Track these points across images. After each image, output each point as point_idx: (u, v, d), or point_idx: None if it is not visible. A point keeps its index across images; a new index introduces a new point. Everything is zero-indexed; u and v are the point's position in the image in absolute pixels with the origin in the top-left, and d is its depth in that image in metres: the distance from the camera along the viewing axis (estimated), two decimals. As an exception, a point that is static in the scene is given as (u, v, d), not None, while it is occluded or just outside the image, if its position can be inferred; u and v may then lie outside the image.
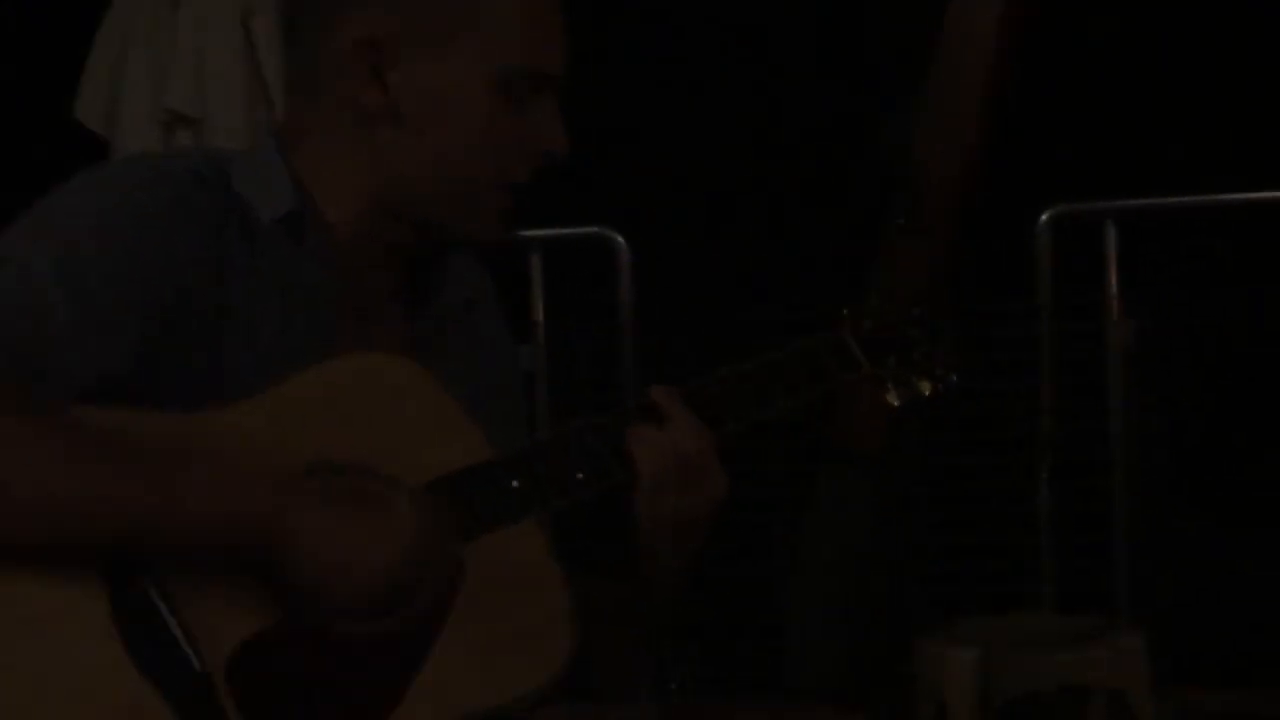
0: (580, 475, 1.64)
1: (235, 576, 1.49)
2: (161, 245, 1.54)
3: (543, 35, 1.67)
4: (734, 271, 4.48)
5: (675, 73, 5.22)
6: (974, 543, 4.29)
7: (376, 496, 1.52)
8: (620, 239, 4.16)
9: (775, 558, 4.23)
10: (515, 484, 1.60)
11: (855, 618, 4.13)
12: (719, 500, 1.67)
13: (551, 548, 1.66)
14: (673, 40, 5.25)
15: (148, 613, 1.46)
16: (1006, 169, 4.35)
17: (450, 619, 1.55)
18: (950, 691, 2.89)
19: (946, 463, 4.26)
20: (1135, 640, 2.87)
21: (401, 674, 1.53)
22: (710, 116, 5.23)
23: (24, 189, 1.57)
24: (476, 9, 1.65)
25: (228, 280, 1.58)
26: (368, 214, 1.67)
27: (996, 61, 4.20)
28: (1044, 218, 4.15)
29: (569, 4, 1.71)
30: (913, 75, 4.28)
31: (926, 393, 1.79)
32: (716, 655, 3.91)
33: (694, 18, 5.24)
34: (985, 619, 3.15)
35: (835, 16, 5.00)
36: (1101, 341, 4.20)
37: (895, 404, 1.78)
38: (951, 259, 4.17)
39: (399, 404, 1.61)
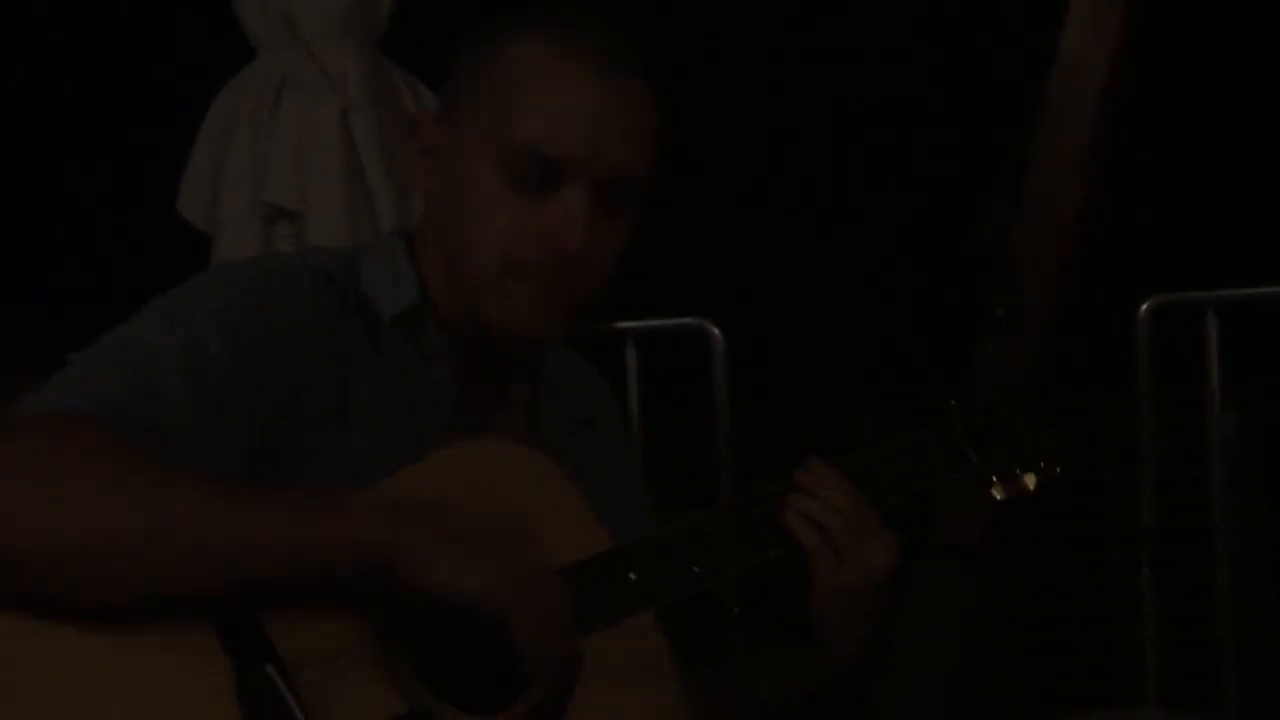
0: (699, 567, 1.62)
1: (361, 668, 1.46)
2: (283, 343, 1.53)
3: (558, 111, 1.58)
4: (828, 363, 4.46)
5: (772, 166, 5.21)
6: (1077, 639, 4.27)
7: (523, 566, 1.50)
8: (716, 330, 4.12)
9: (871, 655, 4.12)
10: (633, 577, 1.58)
11: (956, 716, 4.06)
12: (890, 565, 1.65)
13: (666, 641, 1.62)
14: (768, 134, 5.23)
15: (273, 691, 1.43)
16: (1107, 258, 4.32)
17: (570, 710, 1.51)
18: None
19: (1048, 558, 4.24)
20: None
21: (557, 702, 1.49)
22: (805, 209, 5.20)
23: (130, 283, 1.57)
24: (496, 77, 1.61)
25: (350, 378, 1.58)
26: (457, 304, 1.63)
27: (1096, 147, 4.14)
28: (1144, 308, 4.09)
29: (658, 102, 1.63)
30: (1012, 162, 4.24)
31: (1031, 487, 1.76)
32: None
33: (782, 109, 5.23)
34: (1099, 712, 3.11)
35: (928, 101, 5.01)
36: (1203, 433, 4.11)
37: (1000, 498, 1.76)
38: (1050, 350, 4.11)
39: (527, 491, 1.60)
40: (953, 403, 1.78)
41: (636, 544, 1.60)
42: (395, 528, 1.43)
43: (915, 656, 4.01)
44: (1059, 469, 1.77)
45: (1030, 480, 1.75)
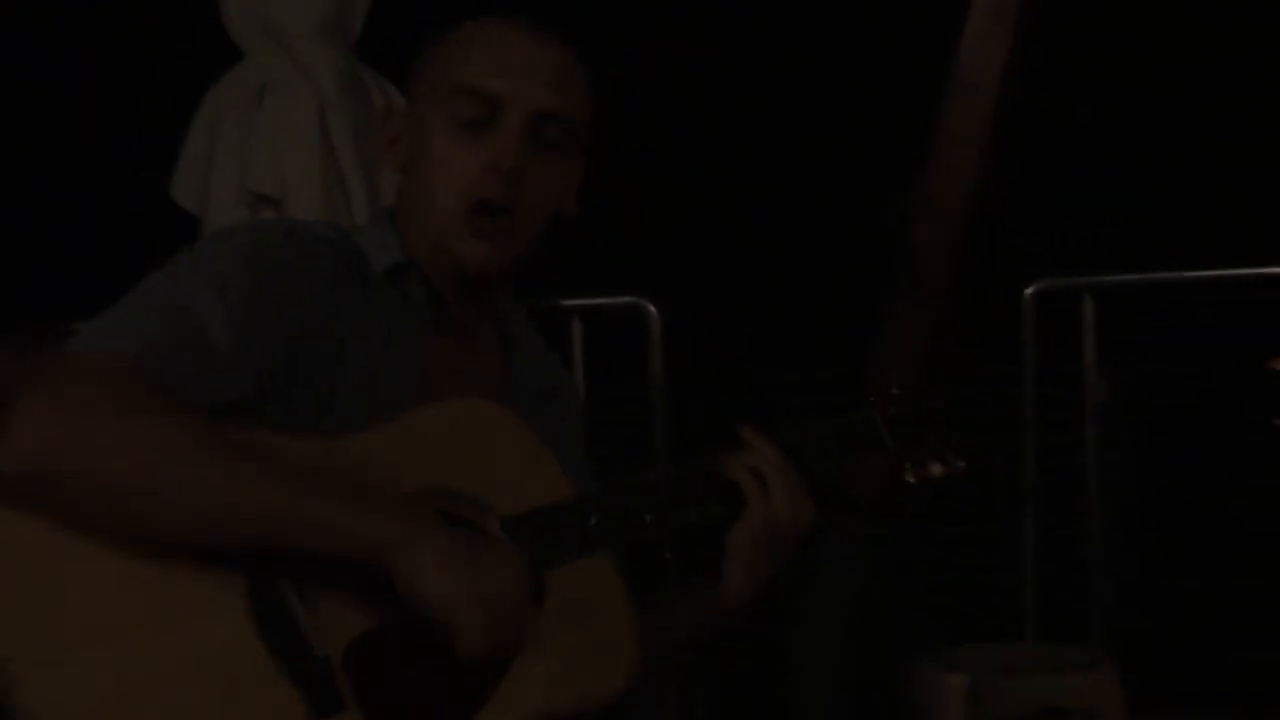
0: (650, 516, 1.66)
1: (357, 579, 1.50)
2: (292, 286, 1.56)
3: (495, 59, 1.67)
4: (752, 337, 4.45)
5: (705, 161, 5.23)
6: (965, 581, 4.34)
7: (486, 532, 1.55)
8: (652, 308, 4.10)
9: (781, 600, 4.11)
10: (593, 521, 1.62)
11: (857, 650, 4.08)
12: (808, 519, 1.68)
13: (622, 576, 1.66)
14: (701, 131, 5.25)
15: (280, 604, 1.47)
16: (997, 247, 4.35)
17: (538, 642, 1.56)
18: (943, 715, 2.91)
19: (942, 511, 4.28)
20: (1110, 669, 2.96)
21: (486, 681, 1.54)
22: (734, 201, 5.25)
23: (128, 257, 1.63)
24: (449, 49, 1.68)
25: (344, 319, 1.60)
26: (434, 260, 1.69)
27: (987, 149, 4.09)
28: (1029, 291, 4.15)
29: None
30: (911, 162, 4.20)
31: (937, 475, 1.79)
32: (731, 686, 3.91)
33: (713, 109, 5.26)
34: (974, 649, 3.16)
35: (844, 110, 4.99)
36: (1080, 401, 4.16)
37: (910, 480, 1.79)
38: (949, 325, 4.08)
39: (500, 443, 1.63)
40: (871, 398, 1.79)
41: (597, 493, 1.66)
42: (394, 513, 1.49)
43: (825, 602, 4.06)
44: (963, 464, 1.80)
45: (937, 469, 1.78)
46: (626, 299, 4.12)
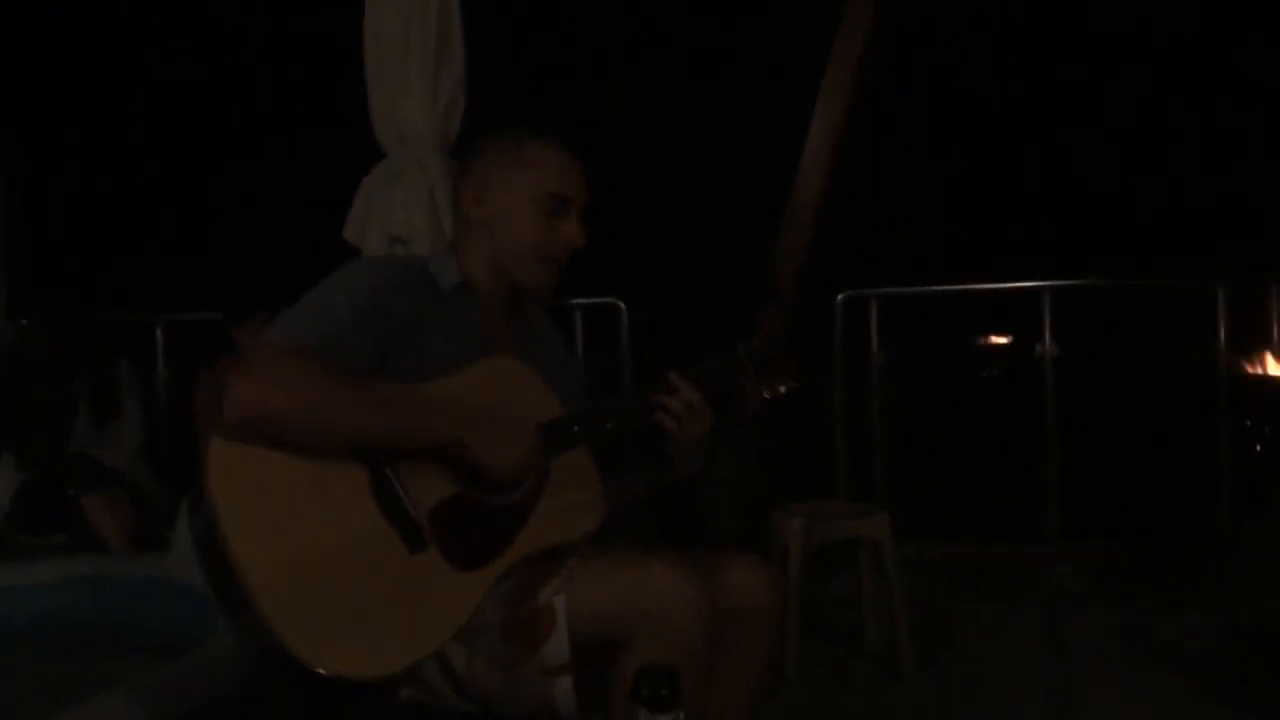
0: (610, 425, 1.63)
1: (437, 467, 1.53)
2: (392, 295, 1.57)
3: (567, 174, 1.69)
4: (699, 331, 4.25)
5: (669, 186, 5.01)
6: (802, 462, 4.39)
7: (515, 424, 1.56)
8: (624, 305, 4.12)
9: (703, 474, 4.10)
10: (576, 429, 1.62)
11: (743, 504, 4.05)
12: (709, 428, 1.66)
13: (594, 461, 1.68)
14: (666, 161, 5.02)
15: (389, 485, 1.50)
16: (822, 270, 4.34)
17: (541, 497, 1.60)
18: (789, 541, 3.09)
19: (791, 419, 4.24)
20: (884, 515, 3.16)
21: (517, 524, 1.58)
22: (690, 221, 5.04)
23: (313, 274, 1.58)
24: (523, 159, 1.67)
25: (425, 316, 1.61)
26: (489, 278, 1.70)
27: (821, 203, 4.10)
28: (839, 298, 4.31)
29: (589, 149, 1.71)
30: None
31: (783, 391, 1.73)
32: (665, 524, 3.67)
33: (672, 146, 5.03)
34: (809, 503, 3.29)
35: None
36: (869, 368, 4.34)
37: (767, 396, 1.72)
38: (795, 320, 4.17)
39: (520, 383, 1.65)
40: (740, 345, 1.73)
41: (578, 412, 1.64)
42: (456, 427, 1.51)
43: (722, 472, 4.09)
44: (797, 384, 1.72)
45: (781, 388, 1.74)
46: (608, 299, 4.12)
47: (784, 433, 4.14)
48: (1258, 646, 3.09)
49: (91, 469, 3.32)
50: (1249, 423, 3.33)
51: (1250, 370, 3.53)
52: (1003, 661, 3.17)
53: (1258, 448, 3.25)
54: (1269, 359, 3.65)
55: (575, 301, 4.06)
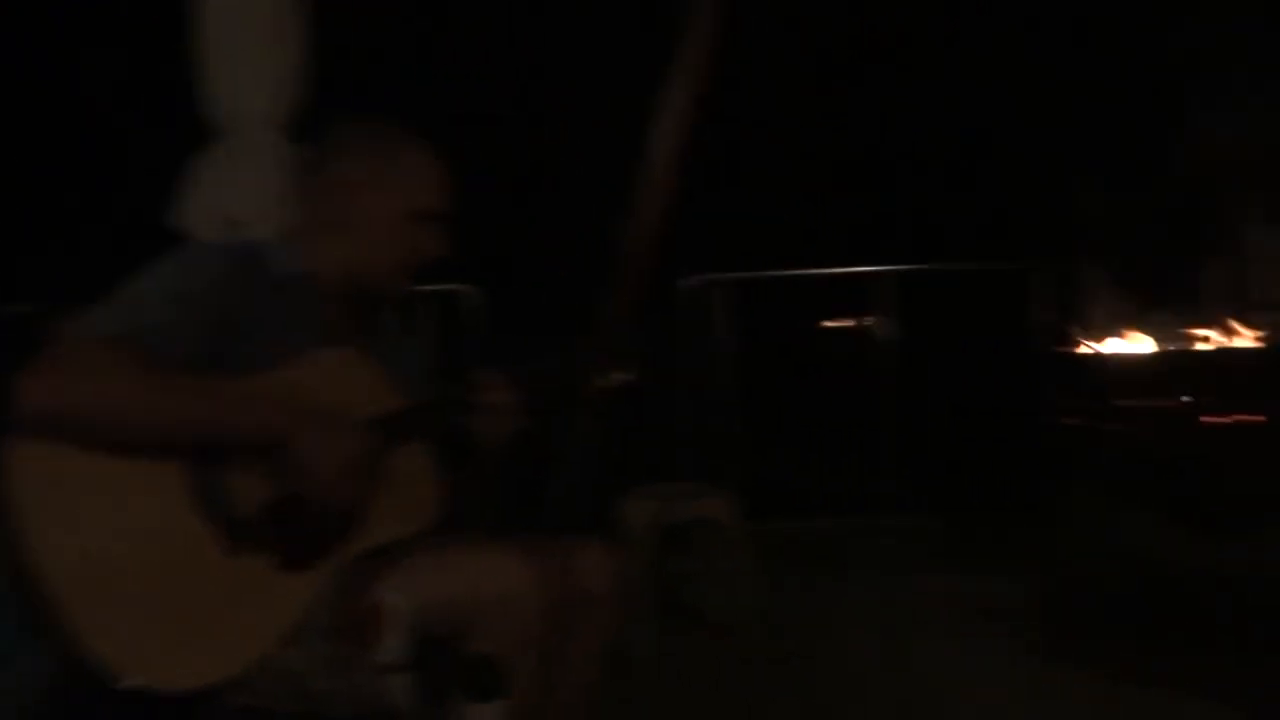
0: (435, 420, 1.62)
1: (261, 464, 1.45)
2: (214, 283, 1.49)
3: (441, 186, 1.64)
4: (544, 318, 4.14)
5: (518, 179, 4.88)
6: (649, 448, 4.39)
7: (344, 419, 1.48)
8: (472, 291, 4.18)
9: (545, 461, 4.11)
10: (409, 422, 1.59)
11: (589, 489, 3.85)
12: (514, 431, 1.64)
13: (430, 456, 1.63)
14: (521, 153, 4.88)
15: (208, 483, 1.44)
16: (666, 255, 4.12)
17: (376, 492, 1.52)
18: (636, 524, 3.16)
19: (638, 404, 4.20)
20: (728, 496, 3.29)
21: (348, 521, 1.51)
22: (533, 211, 4.93)
23: (131, 267, 1.49)
24: (399, 170, 1.61)
25: (253, 305, 1.53)
26: (338, 279, 1.63)
27: (666, 193, 3.82)
28: (682, 283, 4.45)
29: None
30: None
31: (627, 377, 1.74)
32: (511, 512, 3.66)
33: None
34: (657, 485, 3.39)
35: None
36: (717, 347, 4.43)
37: (609, 383, 1.72)
38: (638, 304, 3.87)
39: (357, 375, 1.59)
40: (578, 344, 1.71)
41: (411, 406, 1.60)
42: (280, 423, 1.44)
43: (569, 458, 3.91)
44: (628, 377, 1.71)
45: (619, 378, 1.73)
46: (455, 285, 4.18)
47: (631, 417, 4.04)
48: (1071, 603, 3.32)
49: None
50: (1060, 398, 3.52)
51: (1063, 348, 3.74)
52: (844, 630, 3.28)
53: (1067, 420, 3.44)
54: (1079, 337, 3.86)
55: (423, 288, 3.88)
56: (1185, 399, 3.22)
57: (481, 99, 4.87)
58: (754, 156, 5.02)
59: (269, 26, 3.06)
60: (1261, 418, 3.12)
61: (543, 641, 1.52)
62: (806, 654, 3.09)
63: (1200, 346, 3.52)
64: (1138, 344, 3.59)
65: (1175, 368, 3.38)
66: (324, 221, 1.63)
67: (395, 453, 1.57)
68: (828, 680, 2.88)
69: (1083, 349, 3.65)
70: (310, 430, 1.45)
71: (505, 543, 1.56)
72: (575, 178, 4.90)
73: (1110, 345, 3.64)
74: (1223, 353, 3.48)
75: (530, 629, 1.50)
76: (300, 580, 1.50)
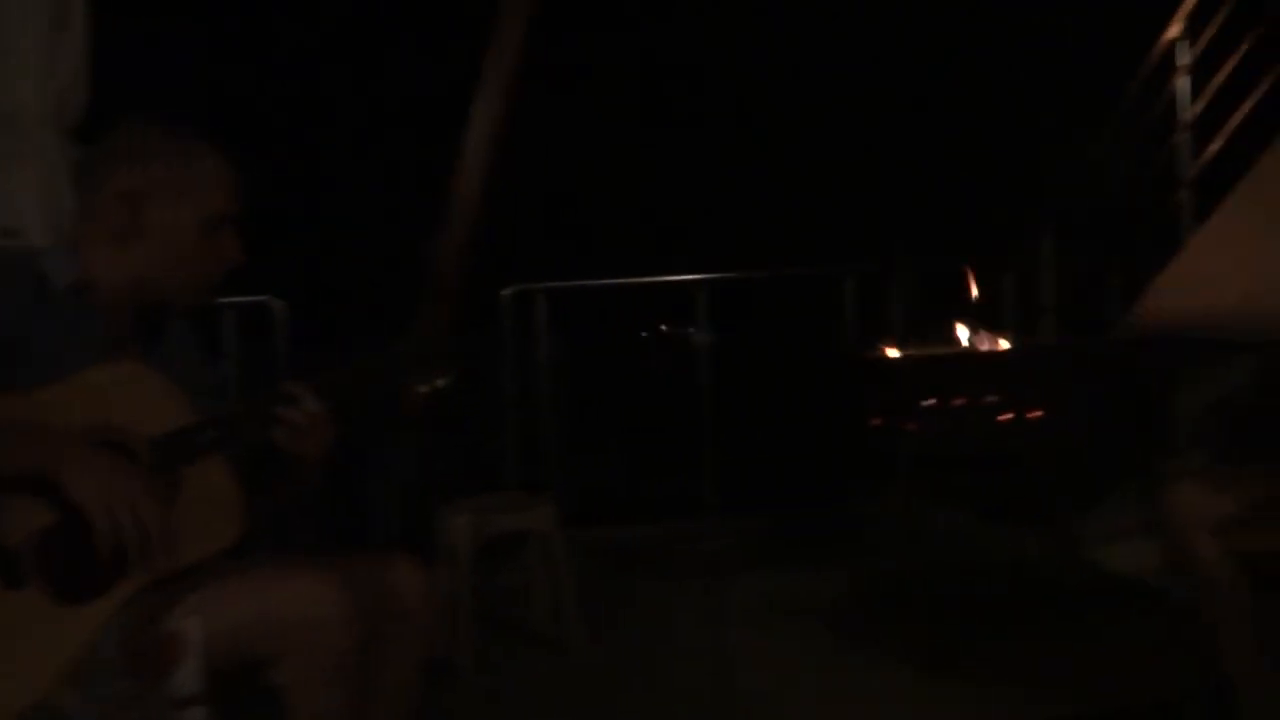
0: (228, 435, 1.52)
1: (34, 492, 1.40)
2: None
3: (233, 189, 1.59)
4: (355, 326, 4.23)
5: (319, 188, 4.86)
6: (470, 457, 4.40)
7: (117, 442, 1.44)
8: (279, 303, 4.05)
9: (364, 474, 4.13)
10: (198, 439, 1.50)
11: (408, 502, 4.01)
12: (330, 441, 1.57)
13: (232, 472, 1.55)
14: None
15: None
16: (490, 263, 4.31)
17: (169, 514, 1.43)
18: (455, 538, 3.07)
19: (459, 414, 4.10)
20: (550, 506, 3.22)
21: (136, 547, 1.40)
22: (351, 221, 4.90)
23: None
24: (192, 179, 1.55)
25: (26, 318, 1.47)
26: (125, 290, 1.57)
27: (487, 195, 4.04)
28: (505, 292, 4.39)
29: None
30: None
31: (442, 386, 1.61)
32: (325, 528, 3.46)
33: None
34: (477, 497, 3.28)
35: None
36: (539, 355, 4.42)
37: (423, 391, 1.62)
38: (457, 313, 4.08)
39: (142, 391, 1.51)
40: (394, 350, 1.62)
41: (199, 422, 1.52)
42: (46, 447, 1.39)
43: (386, 470, 4.05)
44: (447, 383, 1.59)
45: (436, 385, 1.59)
46: (261, 297, 4.01)
47: (451, 428, 4.11)
48: (880, 594, 3.51)
49: None
50: (869, 400, 3.66)
51: (870, 353, 3.89)
52: (669, 634, 3.33)
53: (875, 422, 3.58)
54: (888, 342, 4.03)
55: (226, 300, 3.89)
56: (981, 399, 3.41)
57: (292, 107, 4.83)
58: (575, 168, 5.10)
59: (46, 16, 2.81)
60: (1041, 412, 3.30)
61: (354, 666, 1.48)
62: (630, 663, 3.11)
63: (993, 348, 3.74)
64: (939, 348, 3.77)
65: (972, 369, 3.58)
66: (111, 230, 1.56)
67: (192, 470, 1.51)
68: (652, 688, 2.90)
69: (891, 353, 3.80)
70: (77, 454, 1.39)
71: (313, 562, 1.52)
72: (384, 188, 4.93)
73: (915, 349, 3.81)
74: (1014, 354, 3.72)
75: (342, 653, 1.46)
76: (84, 613, 1.42)
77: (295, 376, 1.59)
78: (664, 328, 5.02)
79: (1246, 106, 3.58)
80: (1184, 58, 3.94)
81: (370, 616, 1.51)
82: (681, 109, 5.20)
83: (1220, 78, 3.75)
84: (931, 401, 3.32)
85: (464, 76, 3.86)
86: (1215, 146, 3.78)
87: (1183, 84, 3.94)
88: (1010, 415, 3.35)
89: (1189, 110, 3.91)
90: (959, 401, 3.40)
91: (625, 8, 5.00)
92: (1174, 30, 3.95)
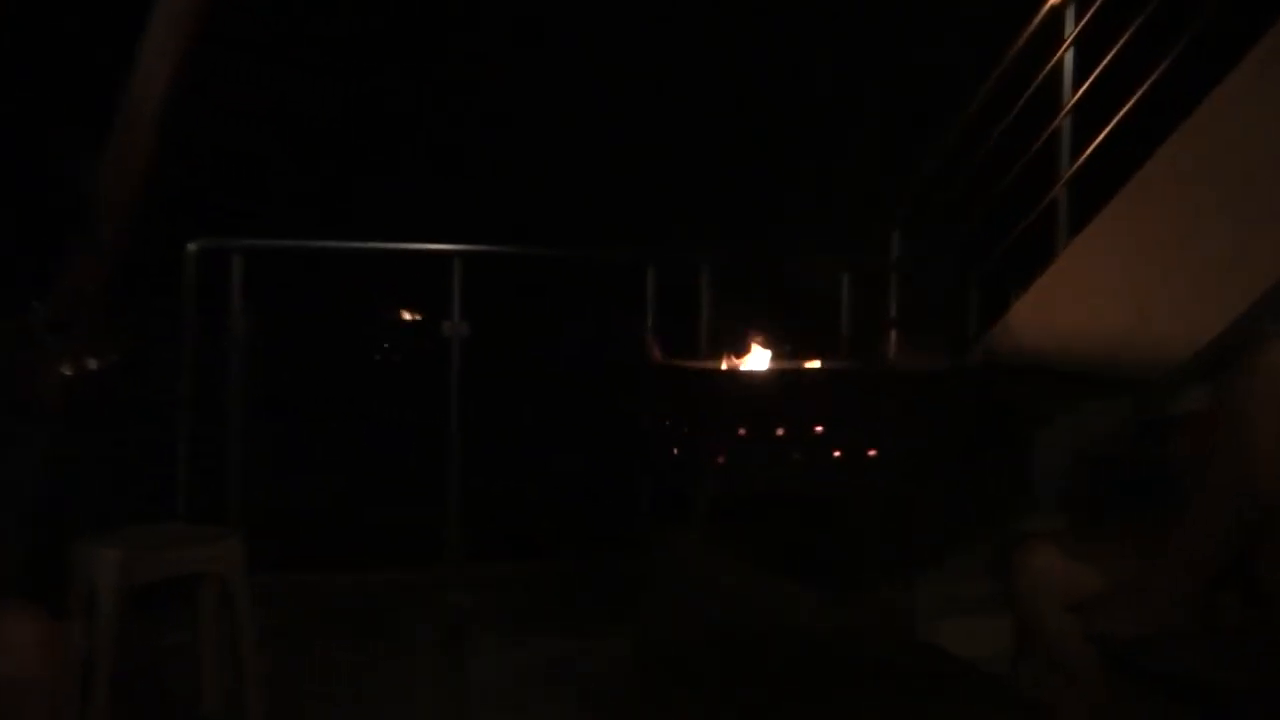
0: None
1: None
2: None
3: None
4: None
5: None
6: (122, 475, 4.31)
7: None
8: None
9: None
10: None
11: (29, 530, 3.81)
12: None
13: None
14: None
15: None
16: (169, 209, 3.97)
17: None
18: (98, 580, 2.91)
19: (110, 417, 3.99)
20: (232, 541, 3.13)
21: None
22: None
23: None
24: None
25: None
26: None
27: (155, 127, 3.99)
28: (191, 247, 4.29)
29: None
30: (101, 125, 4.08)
31: (95, 367, 1.74)
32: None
33: None
34: (131, 527, 3.15)
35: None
36: (227, 330, 4.33)
37: (68, 372, 1.71)
38: (118, 269, 3.97)
39: None
40: (34, 303, 1.73)
41: None
42: None
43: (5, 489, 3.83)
44: (101, 365, 1.75)
45: (93, 363, 1.75)
46: None
47: (103, 427, 3.83)
48: (660, 666, 3.55)
49: None
50: (667, 420, 3.69)
51: (669, 361, 3.92)
52: (390, 712, 3.32)
53: (675, 450, 3.61)
54: (693, 349, 4.10)
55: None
56: (798, 429, 3.51)
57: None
58: (292, 95, 5.40)
59: None
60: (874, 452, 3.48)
61: None
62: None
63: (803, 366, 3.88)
64: (753, 360, 3.86)
65: (793, 391, 3.68)
66: None
67: None
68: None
69: (694, 364, 3.85)
70: None
71: None
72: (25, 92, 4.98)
73: (726, 359, 3.89)
74: (846, 377, 3.86)
75: None
76: None
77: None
78: (406, 314, 4.98)
79: (1141, 90, 3.66)
80: (1071, 27, 4.10)
81: None
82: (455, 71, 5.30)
83: (1113, 52, 3.85)
84: (741, 431, 3.48)
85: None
86: (1100, 136, 3.89)
87: (1068, 59, 4.11)
88: (838, 452, 3.46)
89: (1073, 92, 4.08)
90: (776, 431, 3.51)
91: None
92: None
